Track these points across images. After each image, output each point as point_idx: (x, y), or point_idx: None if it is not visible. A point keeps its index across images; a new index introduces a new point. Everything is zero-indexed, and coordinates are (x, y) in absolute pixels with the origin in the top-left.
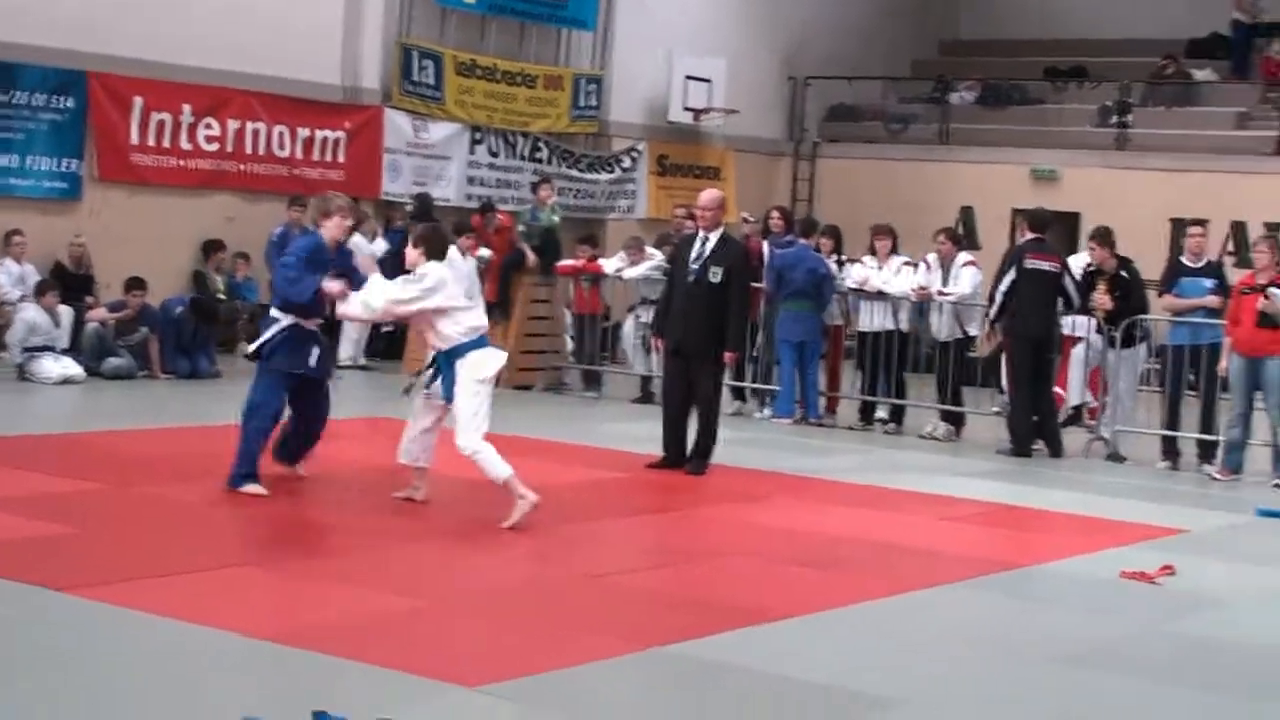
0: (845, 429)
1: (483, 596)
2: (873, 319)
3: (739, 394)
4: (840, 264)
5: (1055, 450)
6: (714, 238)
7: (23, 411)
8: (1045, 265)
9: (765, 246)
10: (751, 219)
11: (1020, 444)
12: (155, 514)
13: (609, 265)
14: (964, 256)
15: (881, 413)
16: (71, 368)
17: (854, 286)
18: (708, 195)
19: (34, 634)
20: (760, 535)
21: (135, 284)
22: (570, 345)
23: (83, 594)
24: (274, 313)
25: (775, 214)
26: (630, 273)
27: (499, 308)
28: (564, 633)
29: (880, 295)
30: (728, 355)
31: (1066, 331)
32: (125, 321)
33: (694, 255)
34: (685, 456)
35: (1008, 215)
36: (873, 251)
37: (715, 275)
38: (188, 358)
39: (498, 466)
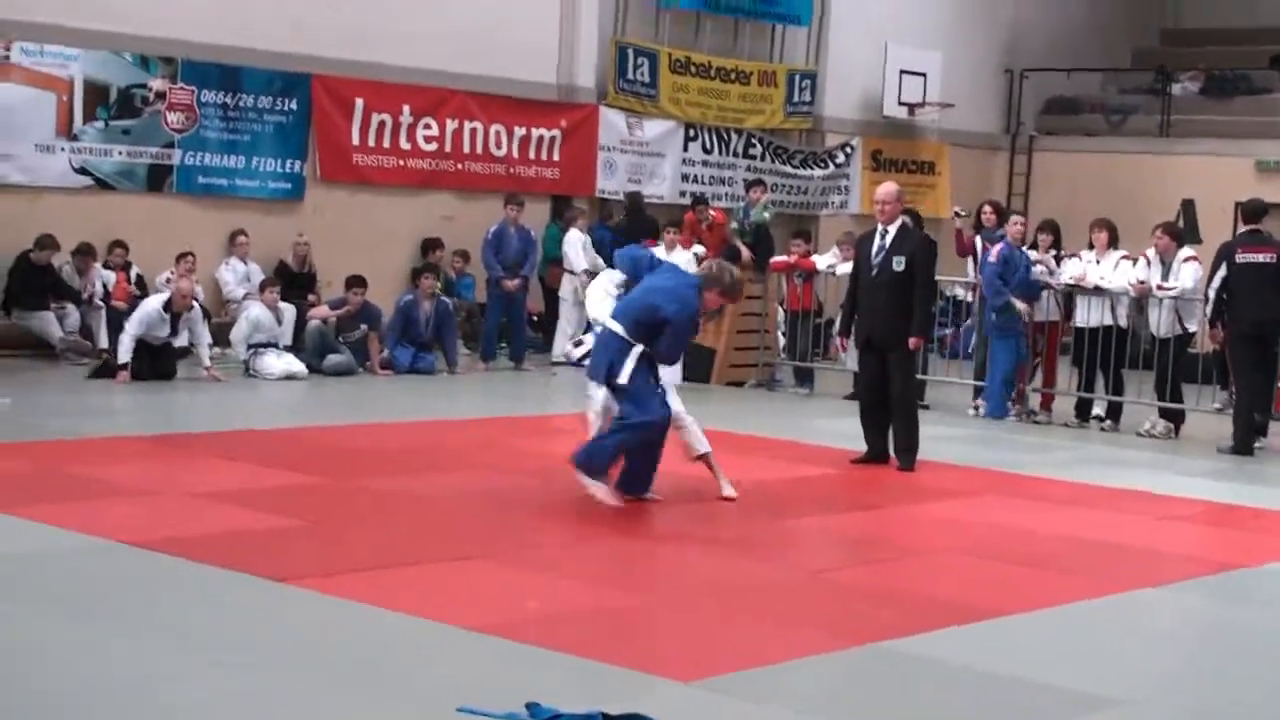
0: (1061, 426)
1: (696, 591)
2: (1089, 314)
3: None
4: (1058, 259)
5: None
6: (893, 230)
7: (248, 406)
8: (1260, 257)
9: (978, 241)
10: (964, 213)
11: (1241, 442)
12: (377, 507)
13: (822, 261)
14: (1185, 251)
15: (1098, 410)
16: (294, 364)
17: (1071, 282)
18: (885, 189)
19: (267, 626)
20: (972, 532)
21: (355, 282)
22: (782, 341)
23: (311, 585)
24: (619, 331)
25: (988, 208)
26: (843, 268)
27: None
28: (778, 628)
29: (1098, 290)
30: (912, 341)
31: None
32: (346, 319)
33: (875, 249)
34: (886, 451)
35: (1230, 208)
36: (1090, 246)
37: (899, 265)
38: (412, 351)
39: (701, 439)
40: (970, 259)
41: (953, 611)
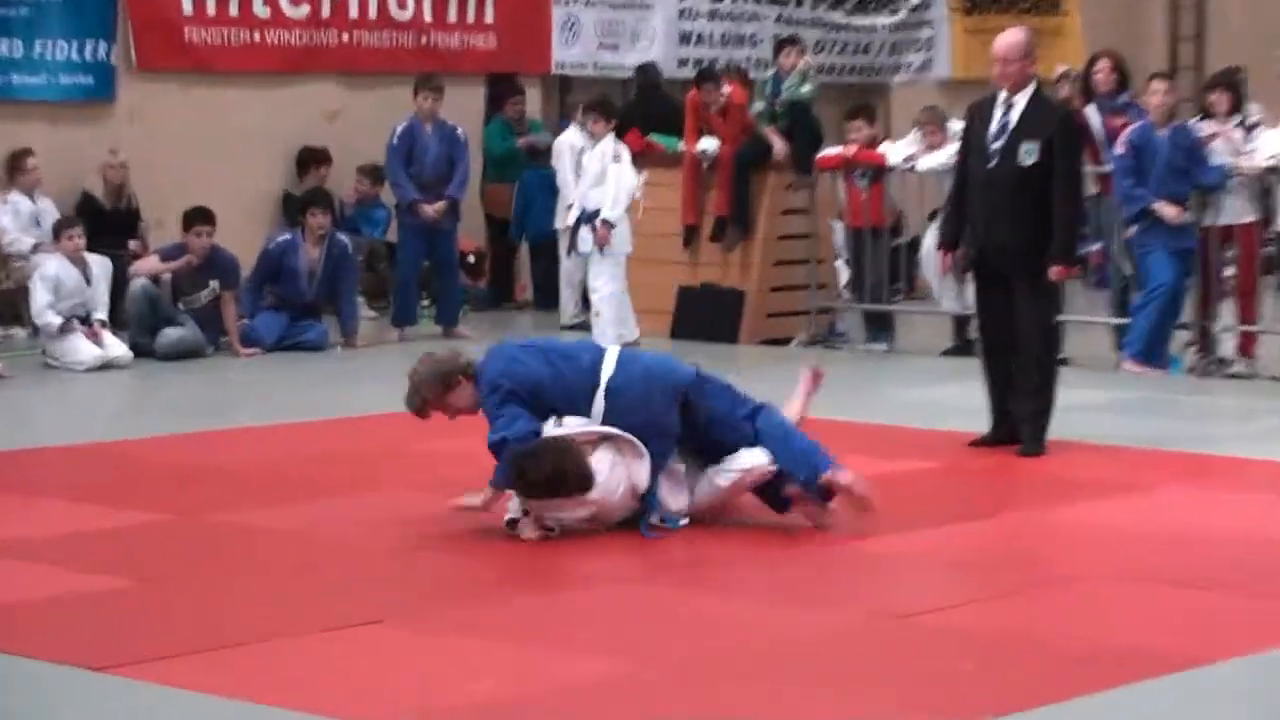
0: (1268, 380)
1: (722, 653)
2: None
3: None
4: (1246, 129)
5: None
6: (1021, 101)
7: (49, 412)
8: None
9: (1092, 116)
10: (1070, 71)
11: None
12: (243, 553)
13: (895, 152)
14: None
15: None
16: (113, 345)
17: (1270, 166)
18: (1009, 39)
19: None
20: (1141, 545)
21: (198, 218)
22: (844, 275)
23: (145, 674)
24: None
25: (1103, 64)
26: (927, 162)
27: (734, 223)
28: (845, 702)
29: None
30: (1054, 271)
31: None
32: (186, 274)
33: (994, 128)
34: (1014, 429)
35: None
36: None
37: (1028, 155)
38: (287, 318)
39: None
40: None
41: (1120, 665)
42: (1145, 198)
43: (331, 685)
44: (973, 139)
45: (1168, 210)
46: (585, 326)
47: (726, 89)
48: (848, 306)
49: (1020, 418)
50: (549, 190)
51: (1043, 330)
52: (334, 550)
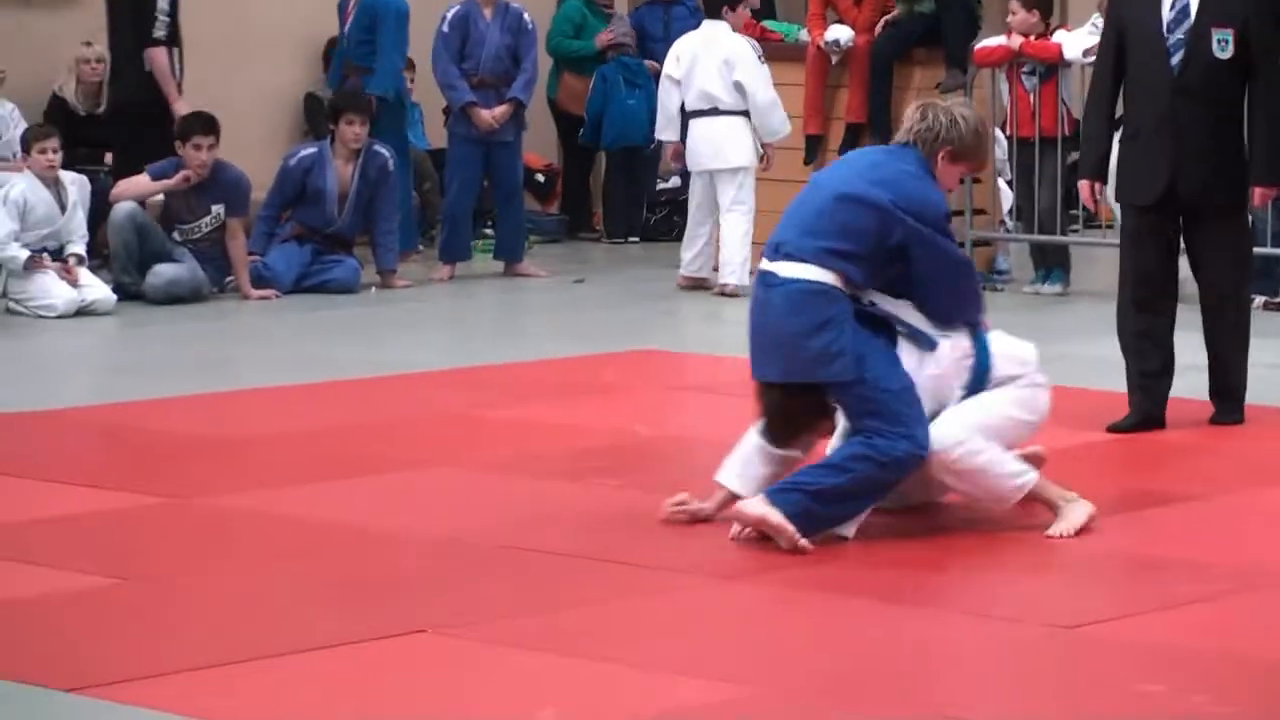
0: None
1: (848, 673)
2: None
3: None
4: None
5: None
6: None
7: (15, 369)
8: None
9: None
10: None
11: None
12: (251, 545)
13: (1074, 43)
14: None
15: None
16: (94, 285)
17: None
18: None
19: None
20: None
21: (198, 127)
22: (1008, 199)
23: (127, 697)
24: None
25: None
26: None
27: (873, 134)
28: None
29: None
30: (1258, 194)
31: None
32: (184, 197)
33: (1169, 14)
34: (1162, 412)
35: None
36: None
37: (1223, 45)
38: (311, 251)
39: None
40: None
41: None
42: None
43: (360, 711)
44: (1132, 30)
45: None
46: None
47: None
48: (1012, 237)
49: (1218, 387)
50: (642, 85)
51: (1245, 278)
52: (363, 542)
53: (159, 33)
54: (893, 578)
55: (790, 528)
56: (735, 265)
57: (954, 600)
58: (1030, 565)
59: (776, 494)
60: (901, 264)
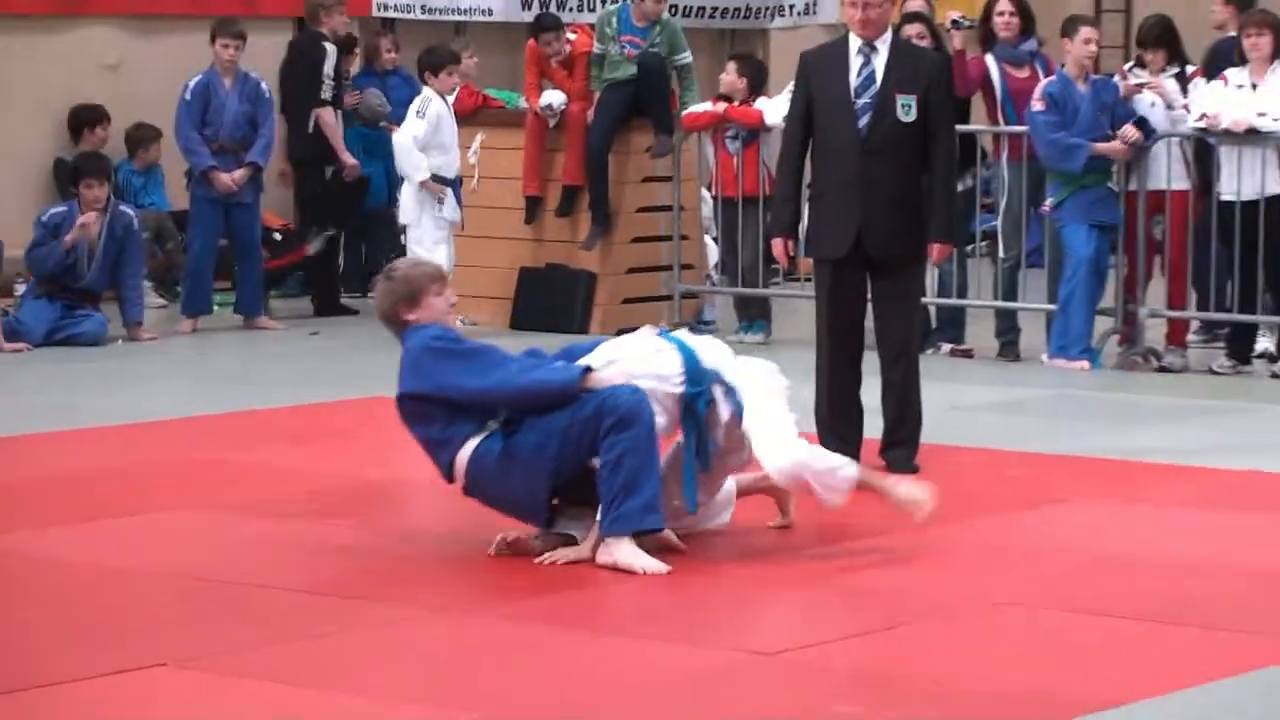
0: (1203, 374)
1: (562, 698)
2: (1243, 179)
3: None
4: (1182, 83)
5: None
6: (883, 49)
7: None
8: None
9: (990, 63)
10: (965, 21)
11: None
12: (5, 586)
13: (774, 109)
14: None
15: (1266, 343)
16: None
17: (1201, 126)
18: None
19: None
20: (1049, 567)
21: None
22: (713, 254)
23: None
24: None
25: (1004, 8)
26: None
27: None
28: None
29: (1256, 137)
30: (936, 250)
31: None
32: None
33: (856, 82)
34: (857, 450)
35: None
36: (1238, 60)
37: (907, 110)
38: (60, 307)
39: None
40: (983, 97)
41: (1020, 711)
42: (1083, 145)
43: None
44: (820, 97)
45: (1120, 142)
46: None
47: (571, 36)
48: (718, 290)
49: (896, 438)
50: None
51: (917, 332)
52: (107, 581)
53: None
54: (614, 609)
55: (640, 558)
56: None
57: (670, 630)
58: (746, 596)
59: (607, 529)
60: None
